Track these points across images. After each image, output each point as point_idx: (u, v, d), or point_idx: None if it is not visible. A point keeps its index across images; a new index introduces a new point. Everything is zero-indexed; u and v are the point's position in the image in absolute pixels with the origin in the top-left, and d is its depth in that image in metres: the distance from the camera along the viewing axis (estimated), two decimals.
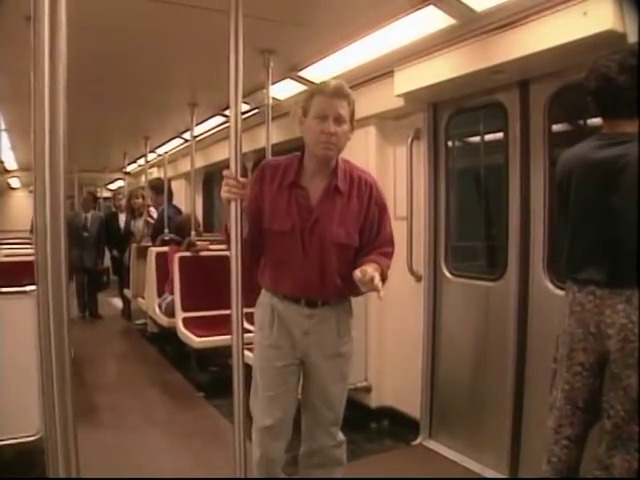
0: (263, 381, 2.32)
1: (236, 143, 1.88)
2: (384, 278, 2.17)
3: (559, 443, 2.31)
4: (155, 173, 9.07)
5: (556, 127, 3.10)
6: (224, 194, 1.95)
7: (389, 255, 2.32)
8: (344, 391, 2.43)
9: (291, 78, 3.86)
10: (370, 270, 2.03)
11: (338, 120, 2.14)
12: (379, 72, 3.67)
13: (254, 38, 3.30)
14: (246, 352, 3.16)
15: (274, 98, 3.83)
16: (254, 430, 2.36)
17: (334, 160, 2.25)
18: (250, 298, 2.22)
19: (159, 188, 6.98)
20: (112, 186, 12.17)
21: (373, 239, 2.29)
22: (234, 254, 1.92)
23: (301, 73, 3.88)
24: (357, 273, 2.03)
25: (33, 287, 3.13)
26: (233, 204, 1.93)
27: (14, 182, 11.35)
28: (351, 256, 2.26)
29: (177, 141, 7.29)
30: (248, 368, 2.34)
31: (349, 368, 2.43)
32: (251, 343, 2.44)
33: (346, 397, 2.45)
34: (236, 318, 1.91)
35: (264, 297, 2.37)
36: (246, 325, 2.19)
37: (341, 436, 2.46)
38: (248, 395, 2.26)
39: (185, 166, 6.95)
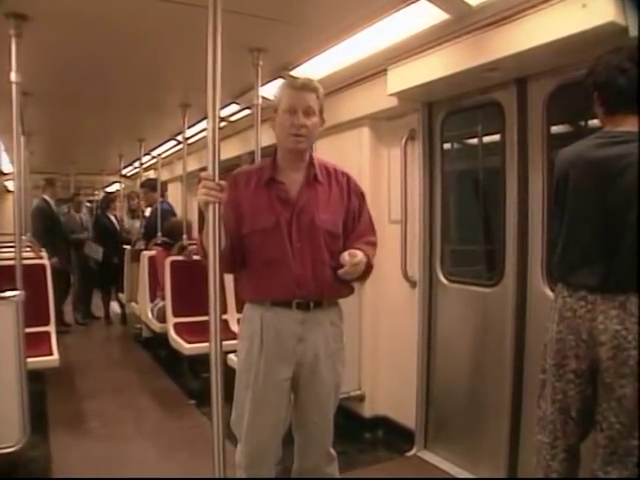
0: (253, 400, 2.21)
1: (214, 145, 1.84)
2: (370, 267, 2.24)
3: (557, 457, 2.19)
4: (152, 176, 8.99)
5: (556, 127, 2.99)
6: (202, 197, 1.88)
7: (374, 244, 2.34)
8: (336, 402, 2.36)
9: (282, 78, 3.74)
10: (360, 255, 2.10)
11: (307, 112, 2.16)
12: (372, 71, 3.58)
13: (243, 36, 3.24)
14: (230, 355, 3.08)
15: (266, 98, 3.71)
16: (240, 453, 2.27)
17: (307, 153, 2.26)
18: None
19: (151, 186, 6.94)
20: (110, 189, 12.10)
21: (356, 228, 2.31)
22: (212, 261, 1.86)
23: (292, 72, 3.77)
24: (345, 255, 2.10)
25: (14, 293, 3.06)
26: (211, 208, 1.87)
27: (11, 185, 11.25)
28: (338, 248, 2.23)
29: (172, 143, 7.20)
30: (233, 372, 2.31)
31: (342, 377, 2.36)
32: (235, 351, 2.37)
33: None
34: (214, 326, 1.86)
35: (249, 310, 2.28)
36: (235, 328, 2.14)
37: (333, 451, 2.39)
38: (229, 402, 2.19)
39: (180, 168, 6.88)
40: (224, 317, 3.97)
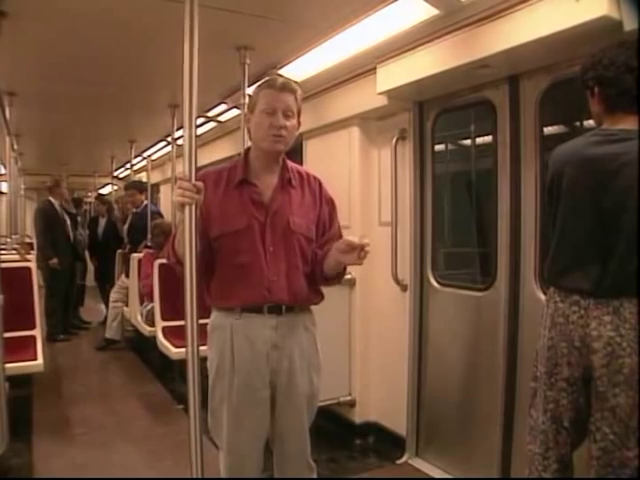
0: (230, 411, 2.13)
1: (190, 145, 1.78)
2: (345, 270, 2.22)
3: (549, 468, 2.11)
4: (144, 178, 8.93)
5: (550, 127, 2.93)
6: (177, 198, 1.80)
7: None
8: (313, 414, 2.28)
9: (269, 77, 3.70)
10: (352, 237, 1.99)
11: (287, 114, 2.09)
12: (362, 69, 3.51)
13: (229, 34, 3.18)
14: None
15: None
16: (222, 463, 2.19)
17: (281, 156, 2.19)
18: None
19: (137, 188, 6.88)
20: (103, 191, 12.02)
21: (327, 232, 2.26)
22: (188, 265, 1.79)
23: (281, 71, 3.70)
24: (340, 244, 2.00)
25: None
26: (187, 210, 1.80)
27: (2, 186, 11.16)
28: (310, 253, 2.19)
29: (163, 144, 7.13)
30: None
31: (318, 388, 2.28)
32: None
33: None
34: (190, 330, 1.80)
35: (218, 318, 2.19)
36: None
37: (312, 462, 2.30)
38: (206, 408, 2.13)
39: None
40: None
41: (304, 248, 2.16)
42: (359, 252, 1.95)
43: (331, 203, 2.30)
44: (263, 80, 2.18)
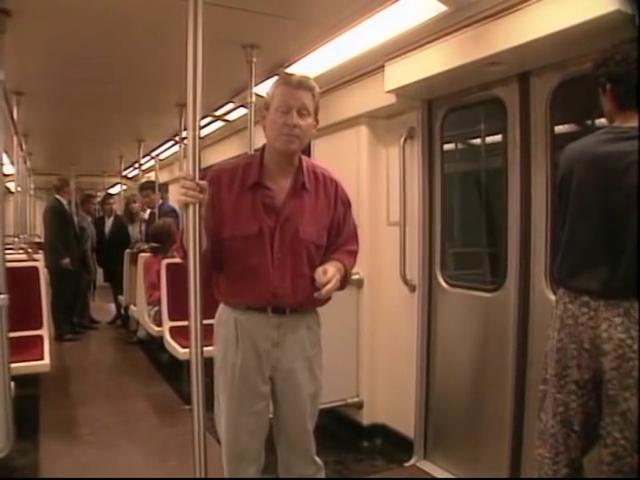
0: (230, 404, 2.14)
1: (194, 144, 1.79)
2: (347, 278, 2.18)
3: (559, 473, 2.08)
4: (153, 178, 8.94)
5: (560, 124, 2.87)
6: (180, 198, 1.81)
7: (354, 253, 2.26)
8: (316, 412, 2.27)
9: (278, 75, 3.66)
10: (331, 272, 2.01)
11: (302, 112, 2.04)
12: (370, 67, 3.48)
13: (235, 32, 3.15)
14: None
15: (260, 96, 3.61)
16: (223, 456, 2.19)
17: (297, 156, 2.14)
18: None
19: (151, 188, 6.89)
20: (113, 190, 12.04)
21: (338, 238, 2.22)
22: (192, 264, 1.78)
23: (288, 70, 3.68)
24: (319, 271, 2.02)
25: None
26: (191, 209, 1.79)
27: (11, 186, 11.18)
28: (319, 257, 2.16)
29: (171, 144, 7.12)
30: None
31: (321, 385, 2.27)
32: None
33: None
34: (194, 330, 1.79)
35: (224, 312, 2.20)
36: None
37: (319, 460, 2.29)
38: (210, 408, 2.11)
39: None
40: None
41: (312, 255, 2.13)
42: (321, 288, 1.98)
43: (347, 204, 2.26)
44: (279, 76, 2.16)
